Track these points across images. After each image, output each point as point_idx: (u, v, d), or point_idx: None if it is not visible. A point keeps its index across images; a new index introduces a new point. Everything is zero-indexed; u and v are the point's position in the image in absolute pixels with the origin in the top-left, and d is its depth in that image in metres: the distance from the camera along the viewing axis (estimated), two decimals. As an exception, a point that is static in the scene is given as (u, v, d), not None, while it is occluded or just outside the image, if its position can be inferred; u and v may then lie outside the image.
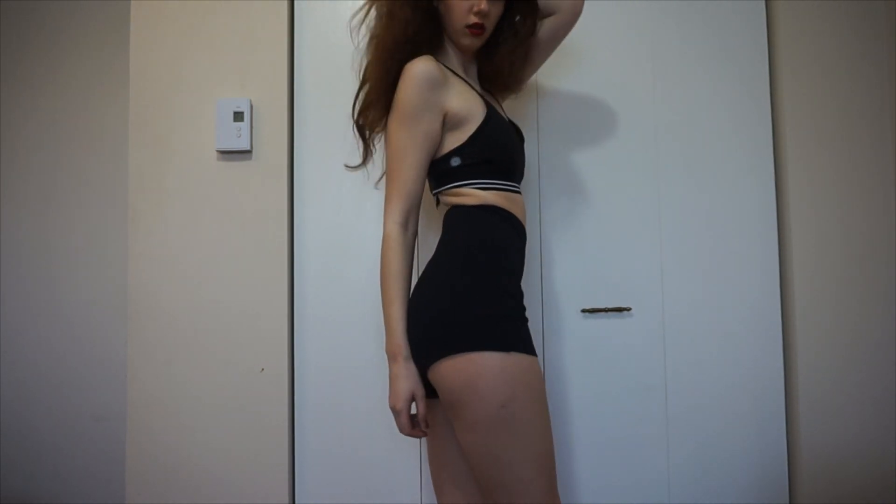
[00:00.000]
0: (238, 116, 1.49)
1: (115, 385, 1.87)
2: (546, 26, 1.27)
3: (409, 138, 1.10)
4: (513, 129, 1.25)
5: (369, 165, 1.34)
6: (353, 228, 1.54)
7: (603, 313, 1.56)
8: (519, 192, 1.20)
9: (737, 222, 1.58)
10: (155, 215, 1.51)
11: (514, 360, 1.01)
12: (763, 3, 1.61)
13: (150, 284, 1.50)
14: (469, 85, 1.17)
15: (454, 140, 1.13)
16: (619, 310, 1.56)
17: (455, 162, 1.13)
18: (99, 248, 1.94)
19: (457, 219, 1.15)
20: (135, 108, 1.52)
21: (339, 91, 1.53)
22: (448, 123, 1.12)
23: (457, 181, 1.14)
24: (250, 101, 1.51)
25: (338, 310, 1.52)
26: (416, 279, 1.15)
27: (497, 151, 1.14)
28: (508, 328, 1.04)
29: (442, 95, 1.10)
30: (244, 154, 1.51)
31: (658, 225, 1.58)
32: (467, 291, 1.06)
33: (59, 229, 1.96)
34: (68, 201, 1.96)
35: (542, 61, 1.35)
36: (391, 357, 1.06)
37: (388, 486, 1.51)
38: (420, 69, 1.08)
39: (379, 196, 1.44)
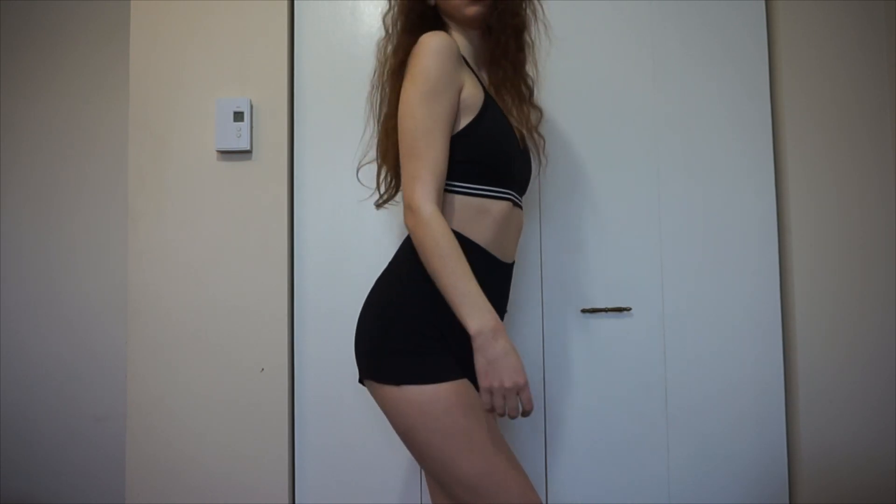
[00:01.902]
0: (238, 116, 1.49)
1: (115, 385, 1.87)
2: None
3: (435, 113, 0.99)
4: (513, 131, 1.13)
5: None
6: (353, 228, 1.54)
7: (603, 313, 1.56)
8: (508, 200, 1.09)
9: (737, 222, 1.58)
10: (155, 215, 1.51)
11: (405, 393, 0.99)
12: (763, 3, 1.61)
13: (151, 284, 1.50)
14: (475, 73, 1.11)
15: None
16: (619, 310, 1.56)
17: None
18: (99, 248, 1.94)
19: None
20: (135, 108, 1.52)
21: (340, 91, 1.54)
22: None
23: None
24: (250, 100, 1.51)
25: (338, 309, 1.52)
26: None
27: (485, 152, 1.05)
28: (402, 362, 1.00)
29: (461, 71, 1.03)
30: (244, 154, 1.51)
31: (658, 225, 1.58)
32: (377, 321, 1.05)
33: (59, 229, 1.96)
34: (68, 201, 1.96)
35: None
36: (493, 333, 0.92)
37: (388, 485, 1.51)
38: (442, 40, 1.00)
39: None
